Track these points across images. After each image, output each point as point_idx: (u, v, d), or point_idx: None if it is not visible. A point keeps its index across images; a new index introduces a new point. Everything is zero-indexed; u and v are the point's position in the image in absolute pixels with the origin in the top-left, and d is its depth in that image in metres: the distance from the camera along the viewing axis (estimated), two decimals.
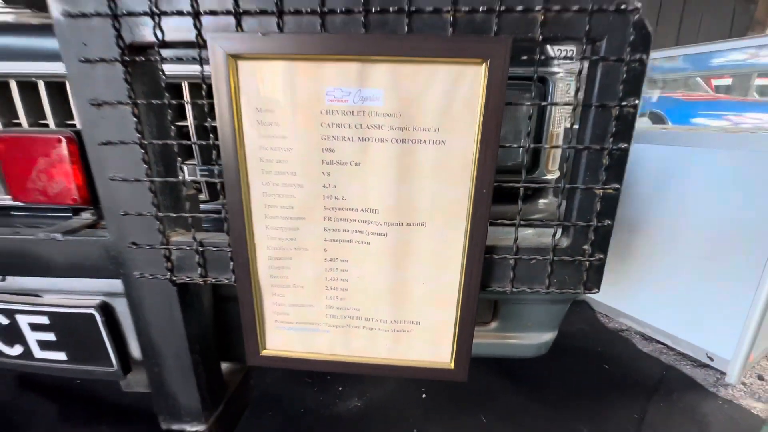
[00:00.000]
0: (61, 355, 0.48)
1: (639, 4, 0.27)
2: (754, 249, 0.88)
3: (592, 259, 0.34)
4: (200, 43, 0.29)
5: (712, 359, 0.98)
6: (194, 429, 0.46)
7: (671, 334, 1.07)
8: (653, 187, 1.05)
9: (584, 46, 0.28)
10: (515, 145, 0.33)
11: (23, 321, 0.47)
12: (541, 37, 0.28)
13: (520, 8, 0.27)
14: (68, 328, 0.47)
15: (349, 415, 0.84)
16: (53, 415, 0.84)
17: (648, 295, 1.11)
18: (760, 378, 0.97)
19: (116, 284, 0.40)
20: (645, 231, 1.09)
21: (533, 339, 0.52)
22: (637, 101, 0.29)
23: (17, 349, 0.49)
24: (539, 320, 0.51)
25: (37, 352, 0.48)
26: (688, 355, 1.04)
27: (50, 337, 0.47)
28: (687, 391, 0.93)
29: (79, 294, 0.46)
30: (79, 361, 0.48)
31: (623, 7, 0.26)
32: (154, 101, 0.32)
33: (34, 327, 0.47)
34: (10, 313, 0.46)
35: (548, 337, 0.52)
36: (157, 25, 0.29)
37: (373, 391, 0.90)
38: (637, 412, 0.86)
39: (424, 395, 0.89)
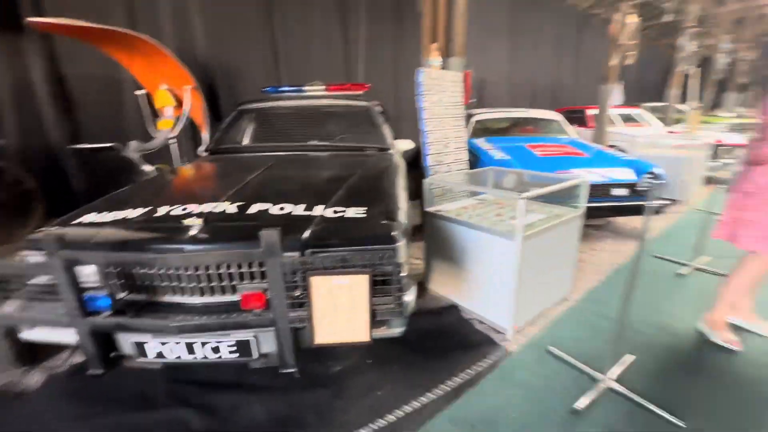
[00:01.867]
0: None
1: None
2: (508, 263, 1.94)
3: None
4: None
5: (497, 329, 2.05)
6: None
7: (482, 315, 2.14)
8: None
9: None
10: None
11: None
12: None
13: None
14: None
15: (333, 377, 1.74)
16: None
17: (476, 296, 2.17)
18: (518, 332, 2.06)
19: None
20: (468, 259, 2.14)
21: (397, 329, 1.47)
22: None
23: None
24: (398, 322, 1.46)
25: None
26: (488, 323, 2.11)
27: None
28: (484, 341, 1.99)
29: None
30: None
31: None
32: None
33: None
34: None
35: (401, 328, 1.47)
36: None
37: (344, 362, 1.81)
38: (461, 353, 1.88)
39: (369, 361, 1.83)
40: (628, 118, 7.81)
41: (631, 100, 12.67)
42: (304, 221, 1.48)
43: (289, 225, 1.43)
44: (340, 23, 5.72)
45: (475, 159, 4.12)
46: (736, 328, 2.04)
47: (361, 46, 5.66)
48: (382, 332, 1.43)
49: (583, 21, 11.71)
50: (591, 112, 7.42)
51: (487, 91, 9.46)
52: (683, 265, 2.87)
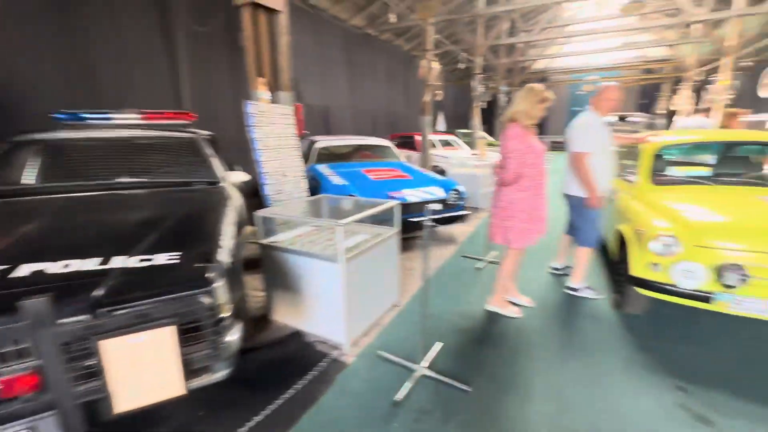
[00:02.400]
0: None
1: None
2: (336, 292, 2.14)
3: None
4: None
5: (336, 346, 2.23)
6: None
7: (322, 335, 2.29)
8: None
9: None
10: None
11: None
12: None
13: None
14: None
15: None
16: None
17: (314, 318, 2.30)
18: (354, 344, 2.28)
19: None
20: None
21: (221, 373, 1.44)
22: None
23: None
24: (223, 365, 1.44)
25: None
26: (328, 343, 2.27)
27: None
28: (323, 360, 2.12)
29: None
30: None
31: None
32: None
33: None
34: None
35: (226, 371, 1.46)
36: None
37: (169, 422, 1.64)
38: (301, 377, 1.96)
39: None
40: (446, 143, 9.55)
41: (451, 126, 15.50)
42: (96, 277, 1.32)
43: (74, 285, 1.25)
44: (162, 37, 5.19)
45: (318, 184, 4.35)
46: (510, 303, 2.76)
47: (185, 68, 5.25)
48: (204, 380, 1.39)
49: (409, 60, 13.78)
50: (419, 138, 8.76)
51: (334, 118, 10.06)
52: (480, 260, 3.69)
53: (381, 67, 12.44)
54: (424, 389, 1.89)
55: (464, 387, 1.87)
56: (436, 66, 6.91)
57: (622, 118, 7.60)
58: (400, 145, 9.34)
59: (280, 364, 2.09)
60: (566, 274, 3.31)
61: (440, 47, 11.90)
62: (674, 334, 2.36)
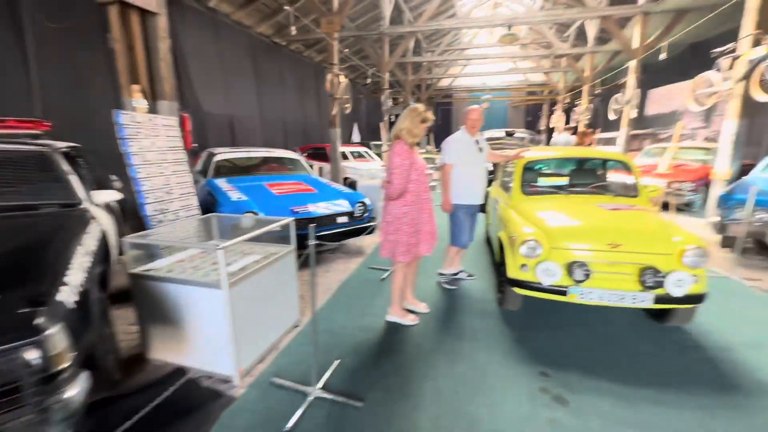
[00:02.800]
0: None
1: None
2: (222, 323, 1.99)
3: None
4: None
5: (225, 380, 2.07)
6: None
7: (208, 370, 2.11)
8: None
9: None
10: None
11: None
12: None
13: None
14: None
15: None
16: None
17: (199, 352, 2.10)
18: (246, 374, 2.14)
19: None
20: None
21: None
22: None
23: None
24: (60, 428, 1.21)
25: None
26: (216, 377, 2.09)
27: None
28: (209, 398, 1.94)
29: None
30: None
31: None
32: None
33: None
34: None
35: None
36: None
37: None
38: (184, 421, 1.76)
39: None
40: (359, 155, 9.72)
41: (366, 138, 15.85)
42: None
43: None
44: (8, 34, 4.32)
45: (214, 200, 4.03)
46: (408, 311, 2.87)
47: (36, 70, 4.45)
48: None
49: (321, 71, 13.76)
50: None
51: (240, 128, 9.50)
52: (385, 270, 3.79)
53: (292, 78, 12.20)
54: (317, 412, 1.84)
55: (357, 403, 1.88)
56: (343, 80, 7.02)
57: (509, 134, 8.64)
58: (312, 157, 9.23)
59: (156, 409, 1.85)
60: (461, 279, 3.59)
61: (347, 62, 12.18)
62: (542, 325, 2.71)
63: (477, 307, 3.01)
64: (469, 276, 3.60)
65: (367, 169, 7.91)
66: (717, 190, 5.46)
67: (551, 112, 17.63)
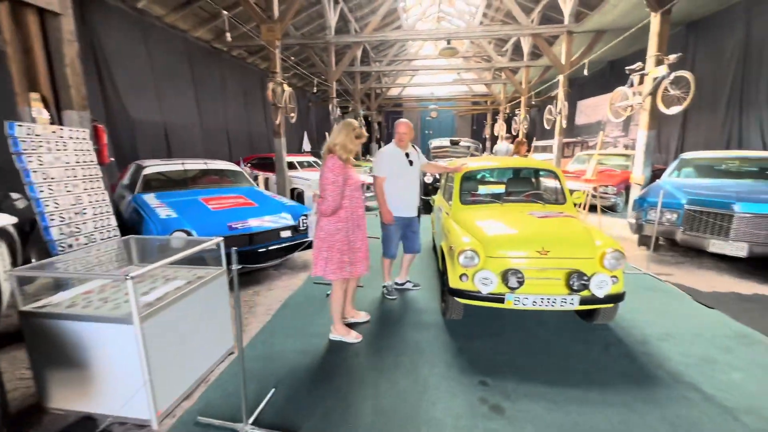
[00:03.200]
0: None
1: None
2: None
3: None
4: None
5: (142, 424, 1.85)
6: None
7: (121, 415, 1.87)
8: None
9: None
10: None
11: None
12: None
13: None
14: None
15: None
16: None
17: (109, 396, 1.86)
18: (168, 415, 1.94)
19: None
20: None
21: None
22: None
23: None
24: None
25: None
26: (130, 422, 1.87)
27: None
28: None
29: None
30: None
31: None
32: None
33: None
34: None
35: None
36: None
37: None
38: None
39: None
40: (308, 164, 9.52)
41: (316, 147, 15.59)
42: None
43: None
44: None
45: (140, 219, 3.68)
46: (351, 325, 2.80)
47: None
48: None
49: (266, 77, 13.35)
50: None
51: (177, 137, 8.89)
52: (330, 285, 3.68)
53: (235, 85, 11.70)
54: None
55: None
56: (287, 89, 6.84)
57: (454, 143, 8.95)
58: (258, 167, 8.87)
59: None
60: (407, 289, 3.59)
61: (291, 70, 11.97)
62: (483, 332, 2.77)
63: (421, 319, 3.01)
64: (414, 286, 3.61)
65: (316, 179, 7.74)
66: (634, 194, 6.06)
67: (494, 122, 18.64)
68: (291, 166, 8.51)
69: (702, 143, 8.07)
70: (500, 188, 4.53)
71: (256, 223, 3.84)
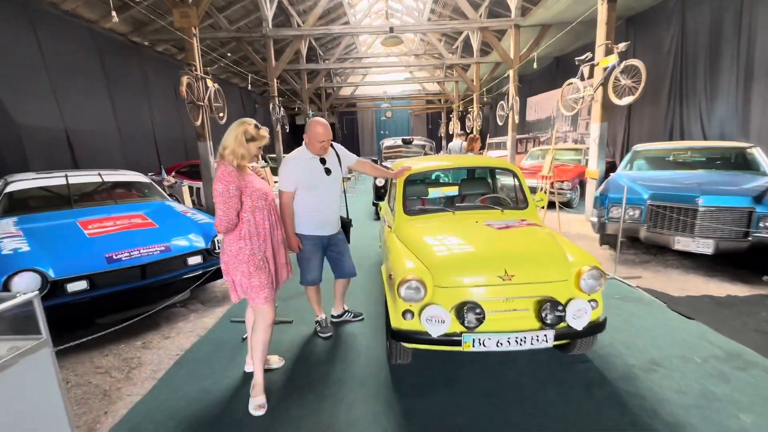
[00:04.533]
0: None
1: None
2: None
3: None
4: None
5: None
6: None
7: None
8: None
9: None
10: None
11: None
12: None
13: None
14: None
15: None
16: None
17: None
18: None
19: None
20: None
21: None
22: None
23: None
24: None
25: None
26: None
27: None
28: None
29: None
30: None
31: None
32: None
33: None
34: None
35: None
36: None
37: None
38: None
39: None
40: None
41: (265, 150, 14.49)
42: None
43: None
44: None
45: None
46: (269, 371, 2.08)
47: None
48: None
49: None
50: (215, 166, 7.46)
51: (84, 145, 7.57)
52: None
53: (162, 85, 10.38)
54: None
55: None
56: (210, 84, 5.91)
57: (406, 142, 8.43)
58: (187, 175, 7.80)
59: None
60: (347, 321, 2.91)
61: (222, 68, 10.91)
62: (437, 382, 2.16)
63: (359, 365, 2.35)
64: (355, 317, 2.94)
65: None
66: (592, 189, 5.82)
67: (449, 120, 18.53)
68: None
69: (646, 135, 8.17)
70: (453, 190, 4.01)
71: (150, 250, 2.98)
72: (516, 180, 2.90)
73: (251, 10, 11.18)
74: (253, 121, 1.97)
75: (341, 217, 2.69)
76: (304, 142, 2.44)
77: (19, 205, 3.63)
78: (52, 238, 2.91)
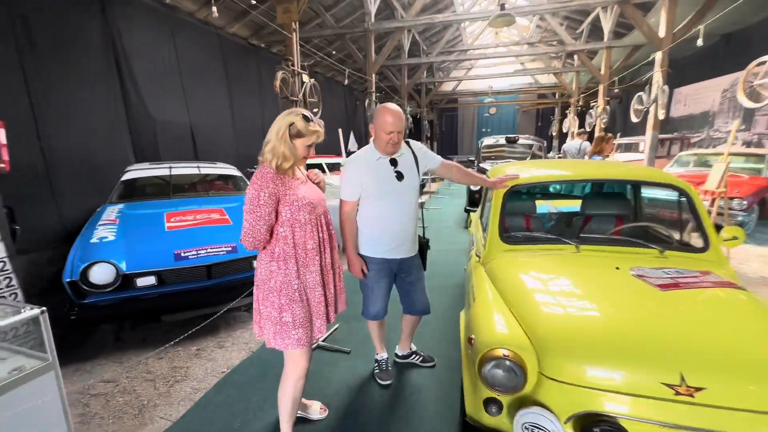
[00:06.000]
0: None
1: None
2: None
3: None
4: None
5: None
6: None
7: None
8: None
9: None
10: None
11: None
12: None
13: None
14: None
15: None
16: None
17: None
18: None
19: None
20: None
21: None
22: None
23: None
24: None
25: None
26: None
27: None
28: None
29: None
30: None
31: None
32: None
33: None
34: None
35: None
36: None
37: None
38: None
39: None
40: (339, 166, 8.56)
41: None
42: None
43: None
44: None
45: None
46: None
47: None
48: None
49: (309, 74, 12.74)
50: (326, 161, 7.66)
51: (205, 139, 8.45)
52: None
53: (273, 82, 11.16)
54: None
55: None
56: (306, 79, 5.88)
57: (510, 141, 7.35)
58: None
59: None
60: (413, 364, 2.32)
61: (319, 62, 11.14)
62: None
63: (422, 427, 1.74)
64: (424, 361, 2.32)
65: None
66: None
67: (563, 117, 16.20)
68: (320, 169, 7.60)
69: None
70: (572, 204, 3.02)
71: (216, 250, 2.84)
72: (686, 201, 1.87)
73: (357, 6, 11.23)
74: (304, 111, 1.54)
75: (419, 237, 2.10)
76: (371, 138, 1.90)
77: (130, 192, 3.95)
78: (135, 229, 2.98)
